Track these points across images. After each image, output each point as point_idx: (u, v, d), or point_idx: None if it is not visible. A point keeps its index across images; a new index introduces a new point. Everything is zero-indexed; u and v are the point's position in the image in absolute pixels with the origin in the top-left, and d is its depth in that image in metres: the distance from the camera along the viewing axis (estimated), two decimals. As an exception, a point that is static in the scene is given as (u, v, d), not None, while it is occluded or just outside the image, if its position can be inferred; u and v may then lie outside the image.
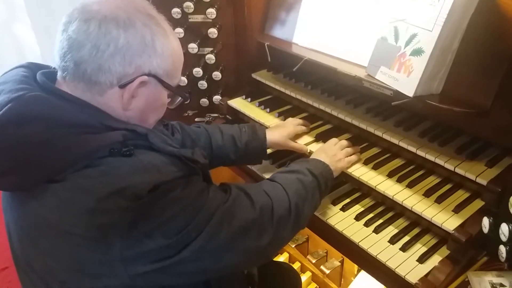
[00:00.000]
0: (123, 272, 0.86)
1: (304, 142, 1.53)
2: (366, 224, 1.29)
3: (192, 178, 0.94)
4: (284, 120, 1.64)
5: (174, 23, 1.78)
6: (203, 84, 1.90)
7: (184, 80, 1.88)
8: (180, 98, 1.09)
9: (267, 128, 1.57)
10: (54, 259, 0.90)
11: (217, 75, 1.88)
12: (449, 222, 1.16)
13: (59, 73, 0.94)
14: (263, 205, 1.02)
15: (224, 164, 1.51)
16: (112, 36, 0.88)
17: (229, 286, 1.17)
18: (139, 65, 0.92)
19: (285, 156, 1.63)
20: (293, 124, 1.56)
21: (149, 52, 0.92)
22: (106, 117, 0.93)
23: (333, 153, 1.36)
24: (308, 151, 1.50)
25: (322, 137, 1.53)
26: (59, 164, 0.85)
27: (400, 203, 1.25)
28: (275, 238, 1.03)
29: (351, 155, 1.40)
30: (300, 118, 1.66)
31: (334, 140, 1.44)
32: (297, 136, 1.56)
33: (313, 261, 2.04)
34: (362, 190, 1.43)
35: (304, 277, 2.14)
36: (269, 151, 1.56)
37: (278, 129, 1.52)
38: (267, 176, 1.48)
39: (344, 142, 1.43)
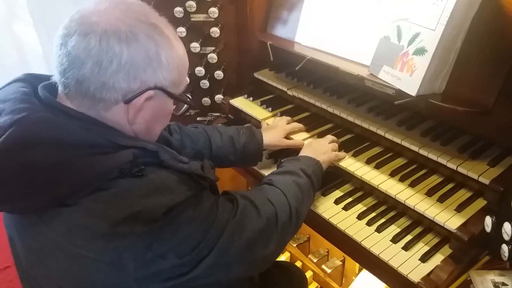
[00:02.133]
0: None
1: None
2: (369, 223, 1.29)
3: (202, 194, 0.94)
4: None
5: (176, 22, 1.79)
6: (205, 83, 1.90)
7: (186, 80, 1.88)
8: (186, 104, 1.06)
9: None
10: (64, 281, 0.88)
11: (219, 74, 1.88)
12: (451, 221, 1.16)
13: (60, 88, 0.90)
14: (268, 213, 1.03)
15: (222, 165, 1.50)
16: (115, 53, 0.83)
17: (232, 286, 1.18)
18: (144, 80, 0.88)
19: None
20: (284, 123, 1.58)
21: (154, 66, 0.88)
22: (114, 134, 0.89)
23: (319, 146, 1.37)
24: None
25: (323, 136, 1.52)
26: (69, 188, 0.82)
27: (403, 202, 1.25)
28: (279, 244, 1.05)
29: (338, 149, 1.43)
30: (301, 117, 1.67)
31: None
32: (298, 136, 1.56)
33: (315, 261, 2.04)
34: (364, 189, 1.43)
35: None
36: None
37: (272, 130, 1.53)
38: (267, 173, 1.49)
39: (330, 136, 1.46)
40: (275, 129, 1.54)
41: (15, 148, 0.80)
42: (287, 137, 1.55)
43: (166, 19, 0.96)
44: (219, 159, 1.45)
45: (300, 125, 1.60)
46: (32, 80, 0.96)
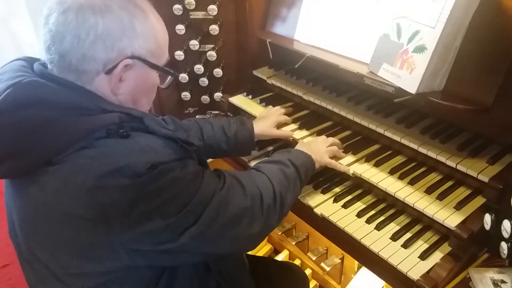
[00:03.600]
0: (124, 253, 0.88)
1: (305, 140, 1.53)
2: (368, 221, 1.29)
3: (187, 161, 0.96)
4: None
5: (175, 20, 1.78)
6: (204, 81, 1.90)
7: (185, 77, 1.88)
8: (170, 77, 1.09)
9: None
10: (56, 244, 0.91)
11: (218, 72, 1.88)
12: (450, 219, 1.16)
13: (49, 66, 0.95)
14: (254, 194, 1.06)
15: (216, 155, 1.54)
16: (91, 24, 0.88)
17: (227, 266, 1.20)
18: (121, 49, 0.92)
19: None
20: (276, 114, 1.61)
21: (129, 35, 0.93)
22: (101, 101, 0.94)
23: (317, 147, 1.38)
24: (292, 138, 1.55)
25: (322, 134, 1.53)
26: (57, 146, 0.86)
27: (402, 200, 1.25)
28: (264, 226, 1.06)
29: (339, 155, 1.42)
30: (300, 115, 1.68)
31: (322, 137, 1.48)
32: (297, 134, 1.57)
33: (313, 258, 2.04)
34: (364, 187, 1.43)
35: (304, 274, 2.15)
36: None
37: (263, 120, 1.58)
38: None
39: (331, 139, 1.45)
40: (266, 118, 1.58)
41: (8, 108, 0.85)
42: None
43: None
44: (212, 149, 1.49)
45: (289, 119, 1.62)
46: (30, 60, 1.01)
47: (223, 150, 1.50)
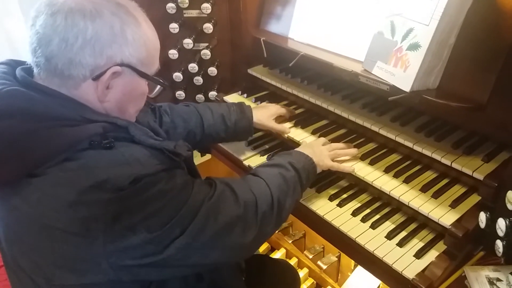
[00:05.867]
0: (108, 267, 0.86)
1: (300, 138, 1.52)
2: (363, 220, 1.29)
3: (175, 171, 0.93)
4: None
5: (169, 18, 1.77)
6: (198, 80, 1.89)
7: (179, 76, 1.87)
8: (159, 86, 1.07)
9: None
10: (38, 255, 0.89)
11: (212, 70, 1.87)
12: (446, 217, 1.16)
13: (34, 70, 0.92)
14: (247, 201, 1.03)
15: (214, 142, 1.58)
16: (80, 28, 0.86)
17: (221, 274, 1.18)
18: (110, 55, 0.90)
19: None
20: (277, 106, 1.62)
21: (119, 42, 0.90)
22: (85, 110, 0.91)
23: (319, 150, 1.35)
24: (287, 135, 1.55)
25: (317, 133, 1.53)
26: (38, 158, 0.84)
27: (397, 198, 1.25)
28: (259, 234, 1.03)
29: (342, 156, 1.40)
30: (295, 114, 1.67)
31: (323, 139, 1.45)
32: (294, 132, 1.56)
33: (310, 257, 2.04)
34: (359, 186, 1.43)
35: (301, 273, 2.15)
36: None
37: (262, 109, 1.59)
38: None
39: (334, 144, 1.42)
40: (265, 108, 1.59)
41: None
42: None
43: (136, 4, 0.97)
44: (211, 137, 1.51)
45: (289, 110, 1.64)
46: (13, 64, 0.99)
47: (221, 137, 1.52)
